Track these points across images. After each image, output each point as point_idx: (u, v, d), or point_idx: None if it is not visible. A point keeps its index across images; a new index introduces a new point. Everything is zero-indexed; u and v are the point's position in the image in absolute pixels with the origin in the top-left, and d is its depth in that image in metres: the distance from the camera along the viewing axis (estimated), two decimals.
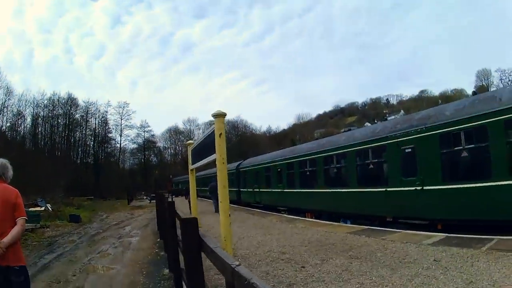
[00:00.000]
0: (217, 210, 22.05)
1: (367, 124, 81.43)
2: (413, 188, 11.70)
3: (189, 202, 23.00)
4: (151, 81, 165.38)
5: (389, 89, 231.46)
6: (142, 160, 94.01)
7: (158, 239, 13.13)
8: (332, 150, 16.53)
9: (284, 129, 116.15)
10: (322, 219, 16.23)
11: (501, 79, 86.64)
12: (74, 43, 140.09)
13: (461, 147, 10.48)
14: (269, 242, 11.28)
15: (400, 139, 12.46)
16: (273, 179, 23.08)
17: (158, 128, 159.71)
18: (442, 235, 9.88)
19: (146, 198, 50.79)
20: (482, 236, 8.98)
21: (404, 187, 12.11)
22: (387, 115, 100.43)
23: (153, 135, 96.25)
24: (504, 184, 9.13)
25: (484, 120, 9.75)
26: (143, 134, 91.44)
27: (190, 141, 12.08)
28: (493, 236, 8.81)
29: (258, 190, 25.55)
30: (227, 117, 7.30)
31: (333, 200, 15.94)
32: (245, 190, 28.69)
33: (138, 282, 7.81)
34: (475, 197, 9.89)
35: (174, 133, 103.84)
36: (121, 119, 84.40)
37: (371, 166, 14.06)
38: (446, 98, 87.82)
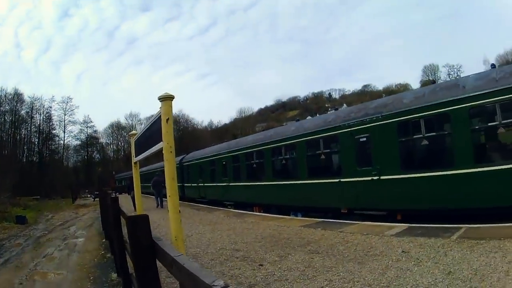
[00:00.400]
0: (160, 206, 22.22)
1: (309, 117, 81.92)
2: (369, 178, 11.34)
3: (133, 198, 22.16)
4: (95, 75, 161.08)
5: (332, 84, 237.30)
6: (85, 157, 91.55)
7: (104, 240, 12.11)
8: (281, 141, 15.90)
9: (225, 123, 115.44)
10: (271, 213, 15.61)
11: (448, 74, 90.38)
12: (23, 37, 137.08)
13: (421, 135, 10.24)
14: (220, 239, 10.46)
15: (354, 128, 12.07)
16: (218, 172, 22.13)
17: (101, 124, 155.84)
18: (404, 225, 9.56)
19: (90, 196, 49.31)
20: (447, 225, 8.71)
21: (359, 177, 11.73)
22: (329, 109, 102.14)
23: (95, 131, 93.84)
24: (469, 172, 8.99)
25: (447, 107, 9.57)
26: (86, 130, 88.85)
27: (134, 132, 10.95)
28: (459, 225, 8.55)
29: (202, 184, 24.53)
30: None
31: (283, 193, 15.33)
32: (189, 185, 27.60)
33: None
34: (437, 186, 9.68)
35: (117, 128, 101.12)
36: (65, 115, 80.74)
37: (323, 156, 13.59)
38: (390, 92, 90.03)
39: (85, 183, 77.78)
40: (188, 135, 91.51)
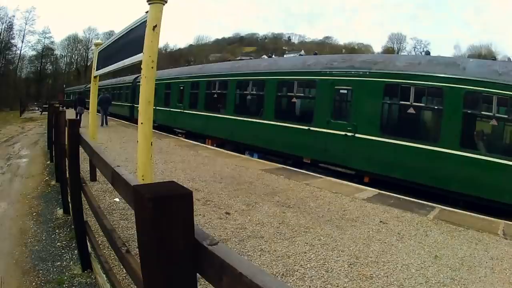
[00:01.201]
0: (105, 124, 22.21)
1: (264, 56, 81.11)
2: (343, 133, 10.83)
3: (77, 114, 22.55)
4: None
5: (293, 29, 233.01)
6: (39, 69, 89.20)
7: (48, 162, 10.78)
8: (250, 75, 14.80)
9: (180, 48, 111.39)
10: (225, 149, 14.88)
11: (414, 47, 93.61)
12: None
13: (408, 103, 9.77)
14: (174, 172, 9.64)
15: (336, 78, 11.27)
16: (173, 97, 20.71)
17: (60, 36, 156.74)
18: (373, 190, 9.15)
19: (38, 110, 46.56)
20: (419, 200, 8.47)
21: (332, 129, 11.16)
22: (286, 52, 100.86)
23: (52, 42, 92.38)
24: (452, 153, 8.91)
25: (443, 83, 9.21)
26: (43, 40, 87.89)
27: (99, 41, 9.67)
28: (431, 203, 8.30)
29: (154, 107, 22.76)
30: None
31: (242, 130, 14.48)
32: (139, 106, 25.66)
33: (28, 230, 5.50)
34: (416, 158, 9.48)
35: (73, 41, 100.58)
36: (26, 24, 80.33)
37: (294, 100, 12.81)
38: (351, 49, 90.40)
39: (36, 95, 76.72)
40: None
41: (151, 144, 4.73)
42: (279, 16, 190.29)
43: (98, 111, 24.26)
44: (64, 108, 36.54)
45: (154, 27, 4.49)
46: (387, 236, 5.84)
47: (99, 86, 34.13)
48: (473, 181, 8.60)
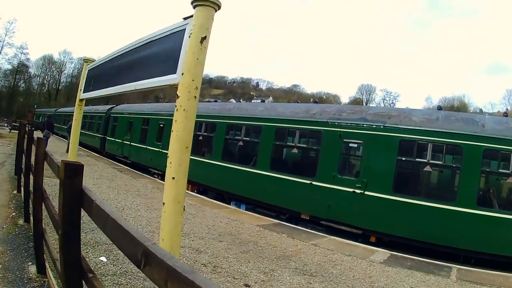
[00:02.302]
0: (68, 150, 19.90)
1: (232, 100, 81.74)
2: (351, 190, 10.08)
3: (45, 138, 20.10)
4: None
5: (262, 74, 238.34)
6: (12, 84, 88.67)
7: (15, 191, 9.22)
8: (243, 119, 13.81)
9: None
10: (208, 196, 13.75)
11: (384, 98, 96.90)
12: None
13: (425, 161, 9.47)
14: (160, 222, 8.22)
15: (345, 130, 10.62)
16: (151, 134, 19.39)
17: (35, 54, 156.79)
18: (385, 251, 8.74)
19: (7, 126, 44.80)
20: (434, 261, 8.25)
21: (338, 185, 10.37)
22: (254, 97, 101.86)
23: (28, 59, 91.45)
24: (469, 213, 8.64)
25: (462, 140, 9.07)
26: (20, 56, 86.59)
27: (89, 58, 7.94)
28: (447, 263, 8.16)
29: (128, 143, 21.59)
30: None
31: (231, 178, 13.35)
32: (112, 139, 24.54)
33: None
34: (431, 218, 9.05)
35: (48, 62, 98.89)
36: (5, 35, 79.39)
37: (295, 150, 12.01)
38: (319, 98, 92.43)
39: (5, 111, 75.61)
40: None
41: (184, 209, 3.53)
42: (248, 60, 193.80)
43: (64, 137, 23.20)
44: (33, 129, 35.41)
45: (203, 39, 3.32)
46: None
47: (64, 113, 33.12)
48: (489, 239, 8.37)
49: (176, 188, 3.30)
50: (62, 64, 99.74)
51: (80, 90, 7.51)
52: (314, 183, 10.73)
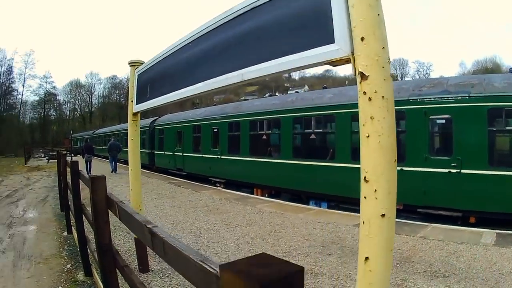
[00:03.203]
0: (114, 170, 22.84)
1: (268, 94, 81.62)
2: (446, 170, 9.74)
3: (87, 162, 22.29)
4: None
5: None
6: (42, 114, 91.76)
7: (65, 233, 8.53)
8: (312, 110, 13.36)
9: None
10: (281, 199, 13.40)
11: (418, 70, 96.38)
12: None
13: None
14: (253, 242, 7.75)
15: (430, 106, 10.21)
16: (205, 141, 19.33)
17: (61, 81, 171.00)
18: (491, 231, 8.30)
19: (44, 157, 45.94)
20: None
21: (431, 167, 10.02)
22: (290, 88, 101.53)
23: (54, 87, 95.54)
24: None
25: None
26: (45, 85, 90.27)
27: (136, 60, 6.19)
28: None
29: (181, 154, 21.72)
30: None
31: (309, 176, 12.95)
32: (161, 153, 24.78)
33: None
34: None
35: (76, 86, 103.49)
36: (26, 67, 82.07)
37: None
38: (352, 80, 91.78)
39: (40, 141, 77.48)
40: None
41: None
42: None
43: (107, 158, 23.85)
44: (72, 155, 38.08)
45: None
46: None
47: (102, 134, 34.10)
48: None
49: (387, 230, 2.06)
50: (91, 86, 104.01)
51: (132, 101, 6.09)
52: (405, 168, 10.24)
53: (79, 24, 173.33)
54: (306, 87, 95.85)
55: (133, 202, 5.94)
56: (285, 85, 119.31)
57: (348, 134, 11.88)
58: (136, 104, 5.93)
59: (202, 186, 16.92)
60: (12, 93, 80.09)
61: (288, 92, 79.89)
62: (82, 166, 21.14)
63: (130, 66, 6.23)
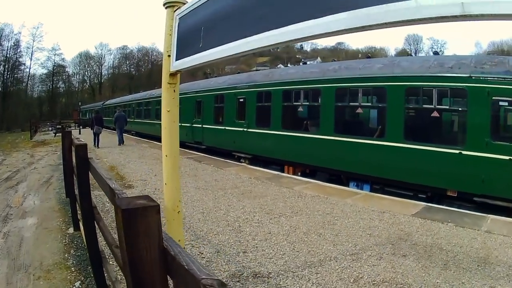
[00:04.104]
0: (120, 143, 24.06)
1: (280, 66, 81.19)
2: (508, 158, 9.31)
3: (95, 135, 22.81)
4: None
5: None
6: (50, 87, 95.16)
7: (71, 230, 7.33)
8: (359, 81, 12.55)
9: None
10: (317, 179, 13.10)
11: (431, 47, 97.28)
12: None
13: None
14: (307, 241, 6.84)
15: (494, 86, 9.56)
16: (230, 113, 18.68)
17: (70, 53, 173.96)
18: None
19: (51, 130, 46.26)
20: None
21: (493, 153, 9.52)
22: (302, 60, 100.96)
23: (63, 59, 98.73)
24: None
25: None
26: (53, 57, 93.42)
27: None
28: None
29: (200, 126, 21.32)
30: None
31: (352, 154, 12.42)
32: (178, 124, 23.89)
33: None
34: None
35: (85, 57, 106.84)
36: (34, 41, 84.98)
37: (436, 114, 10.65)
38: (366, 52, 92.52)
39: (49, 114, 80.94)
40: (159, 70, 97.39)
41: None
42: None
43: (113, 129, 23.90)
44: (81, 127, 39.24)
45: None
46: None
47: (113, 104, 34.18)
48: None
49: None
50: (101, 57, 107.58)
51: (169, 56, 3.82)
52: (464, 152, 9.89)
53: None
54: (319, 59, 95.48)
55: (168, 201, 3.38)
56: (297, 56, 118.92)
57: (401, 110, 11.23)
58: (176, 59, 3.84)
59: (225, 162, 16.65)
60: (20, 67, 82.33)
61: (301, 63, 79.10)
62: (89, 139, 21.57)
63: (168, 7, 3.80)
